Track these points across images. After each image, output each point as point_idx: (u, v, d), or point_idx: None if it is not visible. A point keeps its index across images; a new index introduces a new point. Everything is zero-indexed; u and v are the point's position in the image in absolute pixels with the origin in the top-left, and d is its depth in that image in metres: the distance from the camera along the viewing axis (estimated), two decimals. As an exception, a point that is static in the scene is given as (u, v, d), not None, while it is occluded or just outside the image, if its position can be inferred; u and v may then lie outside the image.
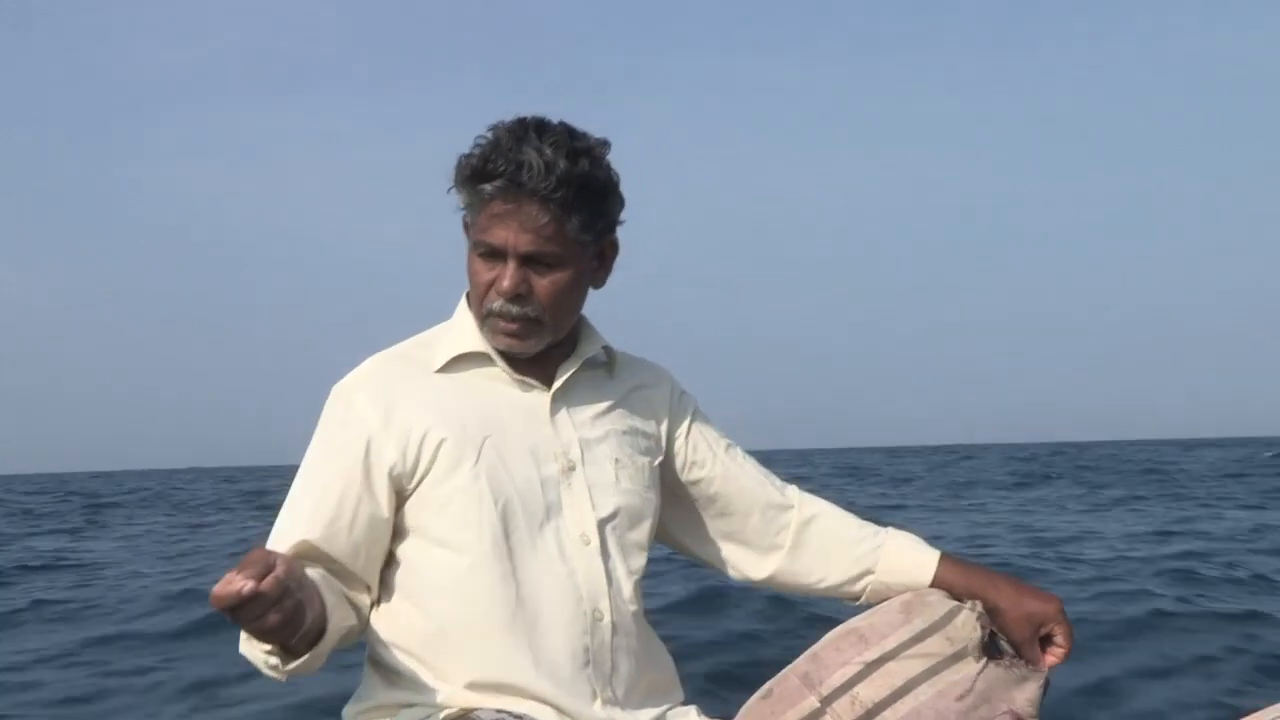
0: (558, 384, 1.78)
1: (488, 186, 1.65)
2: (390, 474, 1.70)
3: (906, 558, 1.91)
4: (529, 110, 1.70)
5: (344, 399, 1.74)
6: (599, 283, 1.79)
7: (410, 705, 1.70)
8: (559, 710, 1.67)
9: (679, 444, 1.91)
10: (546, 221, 1.66)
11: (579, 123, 1.70)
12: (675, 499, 1.91)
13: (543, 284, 1.70)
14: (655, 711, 1.77)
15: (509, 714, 1.64)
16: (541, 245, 1.67)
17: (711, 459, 1.91)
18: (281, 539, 1.67)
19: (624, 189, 1.74)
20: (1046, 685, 1.83)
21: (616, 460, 1.79)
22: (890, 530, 1.96)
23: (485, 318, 1.73)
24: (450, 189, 1.72)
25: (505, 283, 1.69)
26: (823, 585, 1.93)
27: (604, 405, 1.83)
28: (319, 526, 1.67)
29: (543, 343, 1.76)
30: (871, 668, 1.79)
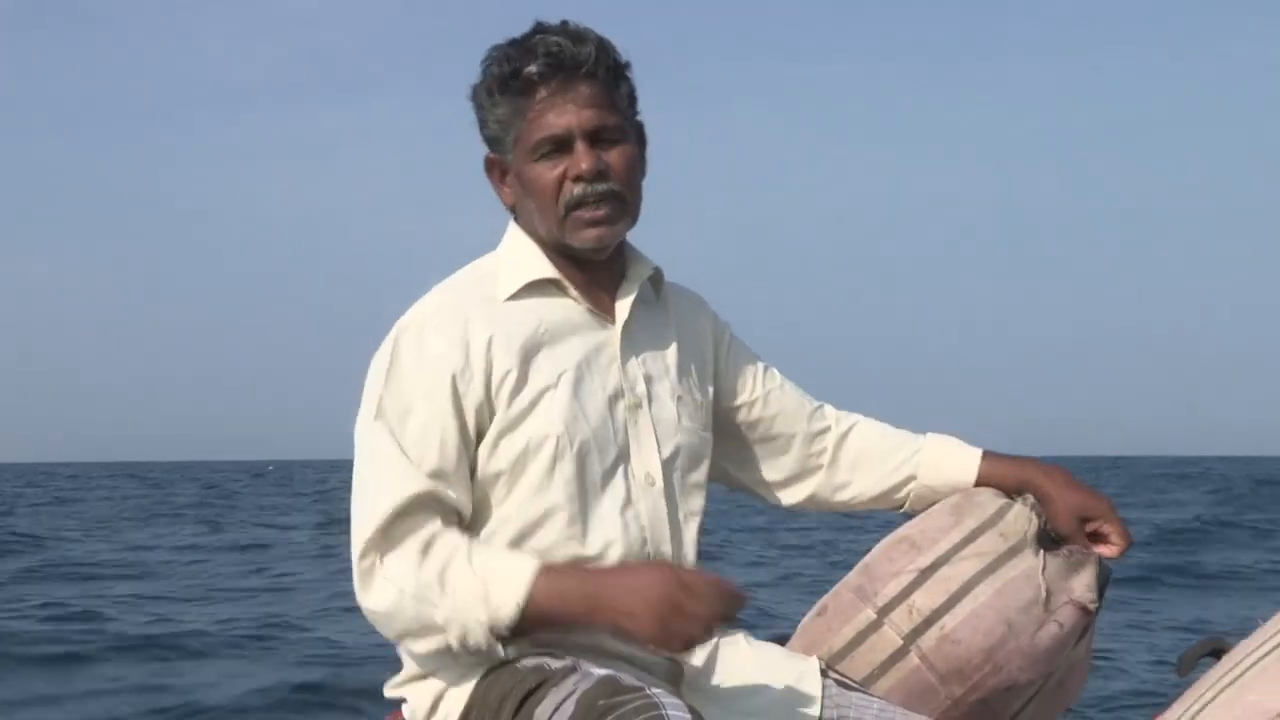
0: (623, 316, 1.72)
1: (533, 68, 1.63)
2: (476, 413, 1.62)
3: (947, 459, 1.89)
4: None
5: (414, 337, 1.66)
6: (644, 168, 1.75)
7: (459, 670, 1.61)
8: (620, 658, 1.62)
9: (722, 372, 1.87)
10: (601, 93, 1.66)
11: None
12: (717, 427, 1.85)
13: (614, 156, 1.68)
14: (707, 647, 1.71)
15: (555, 662, 1.58)
16: (604, 118, 1.66)
17: (753, 384, 1.88)
18: (387, 494, 1.57)
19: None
20: (1106, 573, 1.81)
21: (679, 398, 1.75)
22: (929, 435, 1.94)
23: (566, 215, 1.67)
24: (480, 110, 1.70)
25: (584, 163, 1.65)
26: (865, 497, 1.91)
27: (662, 338, 1.78)
28: (429, 476, 1.59)
29: (625, 227, 1.72)
30: (926, 574, 1.77)
